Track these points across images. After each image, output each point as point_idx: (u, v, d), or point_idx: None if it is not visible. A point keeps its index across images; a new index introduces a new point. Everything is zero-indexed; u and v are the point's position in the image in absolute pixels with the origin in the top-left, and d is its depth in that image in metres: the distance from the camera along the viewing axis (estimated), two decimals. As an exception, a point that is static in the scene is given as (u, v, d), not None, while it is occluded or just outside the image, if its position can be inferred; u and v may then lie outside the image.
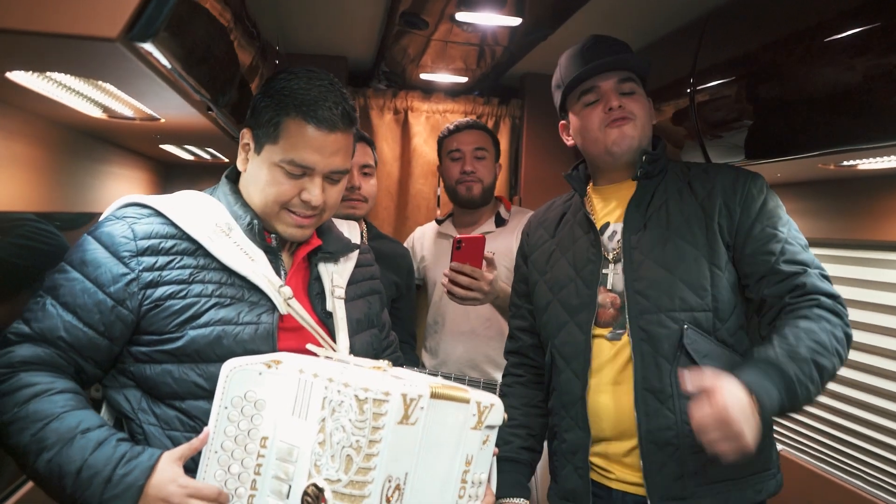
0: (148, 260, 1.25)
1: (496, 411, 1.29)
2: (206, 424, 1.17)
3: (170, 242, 1.28)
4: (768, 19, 1.70)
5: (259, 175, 1.34)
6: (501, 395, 1.78)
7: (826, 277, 1.48)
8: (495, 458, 1.35)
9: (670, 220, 1.56)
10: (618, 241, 1.61)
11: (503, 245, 2.41)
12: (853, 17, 1.38)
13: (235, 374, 1.15)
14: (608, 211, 1.67)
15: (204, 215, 1.32)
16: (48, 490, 1.17)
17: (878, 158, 1.63)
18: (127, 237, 1.26)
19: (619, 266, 1.59)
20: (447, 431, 1.21)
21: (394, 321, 2.20)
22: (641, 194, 1.61)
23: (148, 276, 1.25)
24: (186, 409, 1.24)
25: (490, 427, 1.30)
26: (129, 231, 1.27)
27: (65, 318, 1.22)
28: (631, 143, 1.58)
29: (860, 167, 1.76)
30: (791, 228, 1.52)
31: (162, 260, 1.26)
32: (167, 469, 1.13)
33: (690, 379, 1.31)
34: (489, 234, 2.42)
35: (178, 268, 1.27)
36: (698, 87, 1.96)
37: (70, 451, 1.13)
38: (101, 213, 2.06)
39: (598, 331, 1.59)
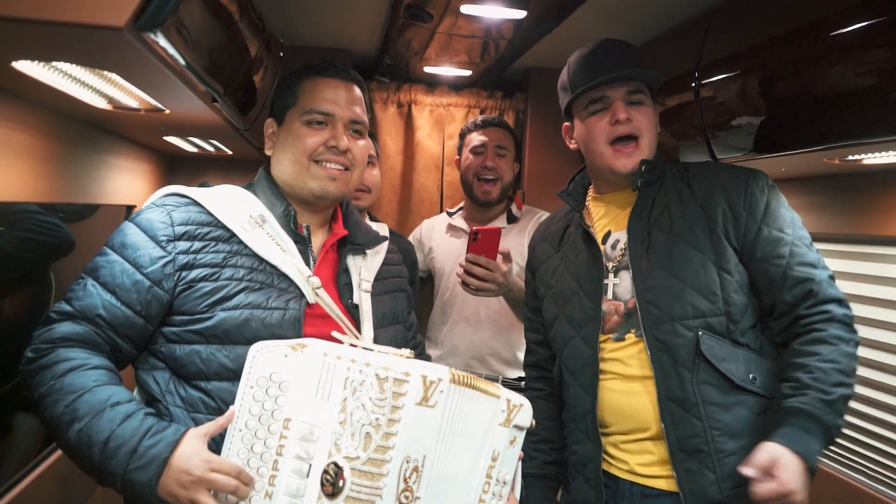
0: (184, 244, 1.32)
1: (525, 412, 1.32)
2: (228, 407, 1.21)
3: (205, 229, 1.35)
4: (774, 13, 1.70)
5: (287, 140, 1.44)
6: None
7: (832, 277, 1.49)
8: (520, 463, 1.36)
9: (673, 225, 1.55)
10: (621, 250, 1.61)
11: (514, 242, 2.42)
12: (860, 12, 1.38)
13: (262, 355, 1.19)
14: (610, 219, 1.67)
15: (239, 207, 1.39)
16: (79, 462, 1.21)
17: (884, 153, 1.63)
18: (165, 223, 1.33)
19: (623, 274, 1.59)
20: (474, 422, 1.25)
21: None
22: (642, 203, 1.60)
23: (184, 259, 1.31)
24: (211, 390, 1.28)
25: (518, 427, 1.32)
26: (168, 217, 1.34)
27: (104, 297, 1.28)
28: (637, 165, 1.57)
29: (865, 162, 1.76)
30: (795, 227, 1.51)
31: (197, 245, 1.33)
32: (192, 444, 1.17)
33: (747, 466, 1.34)
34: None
35: (212, 252, 1.33)
36: (703, 82, 1.96)
37: (99, 422, 1.17)
38: (105, 205, 2.06)
39: (604, 337, 1.60)
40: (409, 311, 1.64)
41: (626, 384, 1.55)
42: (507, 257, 2.06)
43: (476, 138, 2.51)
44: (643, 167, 1.57)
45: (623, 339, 1.57)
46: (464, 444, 1.24)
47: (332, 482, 1.13)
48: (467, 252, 2.00)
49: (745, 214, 1.50)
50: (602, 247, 1.65)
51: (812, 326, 1.44)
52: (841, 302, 1.46)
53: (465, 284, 2.03)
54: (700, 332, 1.47)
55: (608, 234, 1.65)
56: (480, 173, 2.46)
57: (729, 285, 1.49)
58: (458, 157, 2.61)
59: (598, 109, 1.59)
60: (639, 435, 1.54)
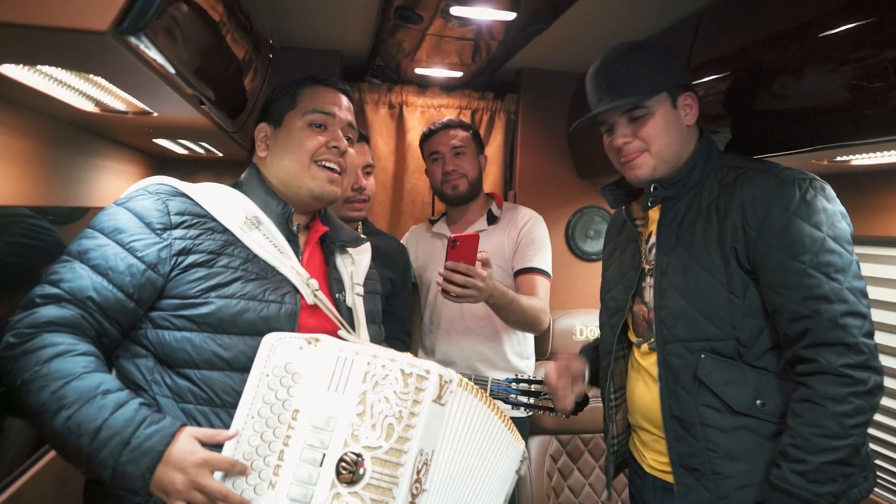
0: (180, 231, 1.32)
1: (524, 465, 1.47)
2: (219, 397, 1.24)
3: (202, 219, 1.35)
4: (763, 15, 1.70)
5: (287, 142, 1.48)
6: None
7: (851, 313, 1.32)
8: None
9: (694, 244, 1.51)
10: (653, 257, 1.61)
11: (495, 243, 2.42)
12: (847, 13, 1.38)
13: (280, 345, 1.21)
14: (655, 220, 1.64)
15: (233, 206, 1.39)
16: (64, 451, 1.17)
17: (872, 154, 1.63)
18: (161, 210, 1.32)
19: (651, 281, 1.61)
20: (475, 430, 1.33)
21: (389, 318, 2.20)
22: (671, 215, 1.57)
23: (181, 244, 1.30)
24: (200, 379, 1.26)
25: (518, 474, 1.45)
26: (164, 206, 1.33)
27: (95, 279, 1.25)
28: (648, 172, 1.56)
29: (854, 163, 1.76)
30: (819, 252, 1.34)
31: (194, 232, 1.33)
32: (187, 442, 1.15)
33: None
34: (482, 232, 2.42)
35: (209, 239, 1.33)
36: (693, 82, 1.95)
37: (89, 409, 1.14)
38: (94, 207, 2.05)
39: (635, 338, 1.67)
40: (381, 312, 1.68)
41: (648, 386, 1.61)
42: (487, 263, 2.05)
43: (431, 146, 2.53)
44: (652, 187, 1.55)
45: (645, 345, 1.62)
46: (467, 448, 1.31)
47: (351, 470, 1.16)
48: (446, 259, 1.99)
49: (756, 235, 1.41)
50: (643, 246, 1.66)
51: (801, 380, 1.36)
52: (848, 347, 1.30)
53: (445, 292, 2.03)
54: (702, 356, 1.46)
55: (650, 236, 1.64)
56: (443, 178, 2.49)
57: (738, 310, 1.43)
58: (425, 166, 2.63)
59: (607, 130, 1.62)
60: (658, 433, 1.59)
